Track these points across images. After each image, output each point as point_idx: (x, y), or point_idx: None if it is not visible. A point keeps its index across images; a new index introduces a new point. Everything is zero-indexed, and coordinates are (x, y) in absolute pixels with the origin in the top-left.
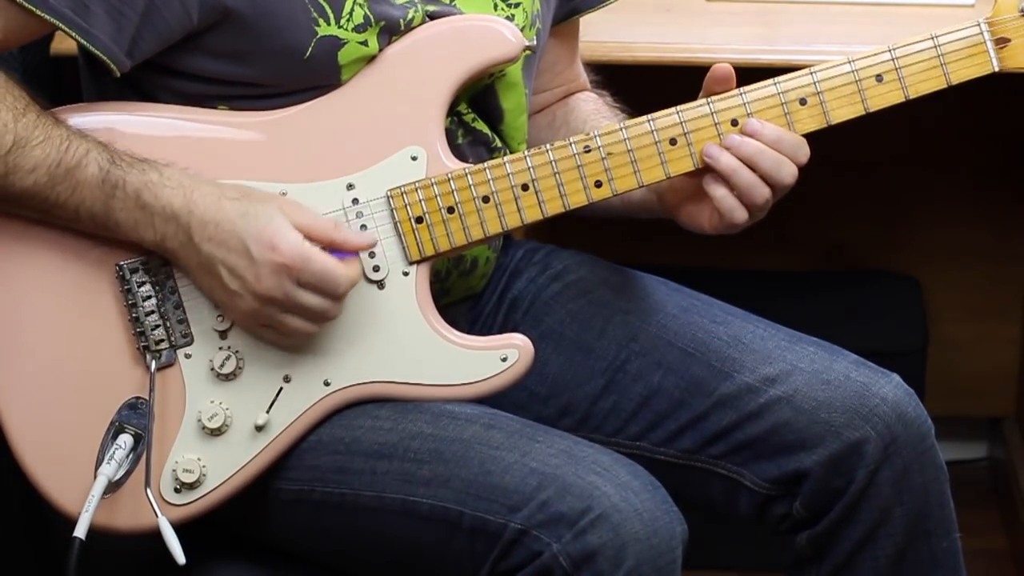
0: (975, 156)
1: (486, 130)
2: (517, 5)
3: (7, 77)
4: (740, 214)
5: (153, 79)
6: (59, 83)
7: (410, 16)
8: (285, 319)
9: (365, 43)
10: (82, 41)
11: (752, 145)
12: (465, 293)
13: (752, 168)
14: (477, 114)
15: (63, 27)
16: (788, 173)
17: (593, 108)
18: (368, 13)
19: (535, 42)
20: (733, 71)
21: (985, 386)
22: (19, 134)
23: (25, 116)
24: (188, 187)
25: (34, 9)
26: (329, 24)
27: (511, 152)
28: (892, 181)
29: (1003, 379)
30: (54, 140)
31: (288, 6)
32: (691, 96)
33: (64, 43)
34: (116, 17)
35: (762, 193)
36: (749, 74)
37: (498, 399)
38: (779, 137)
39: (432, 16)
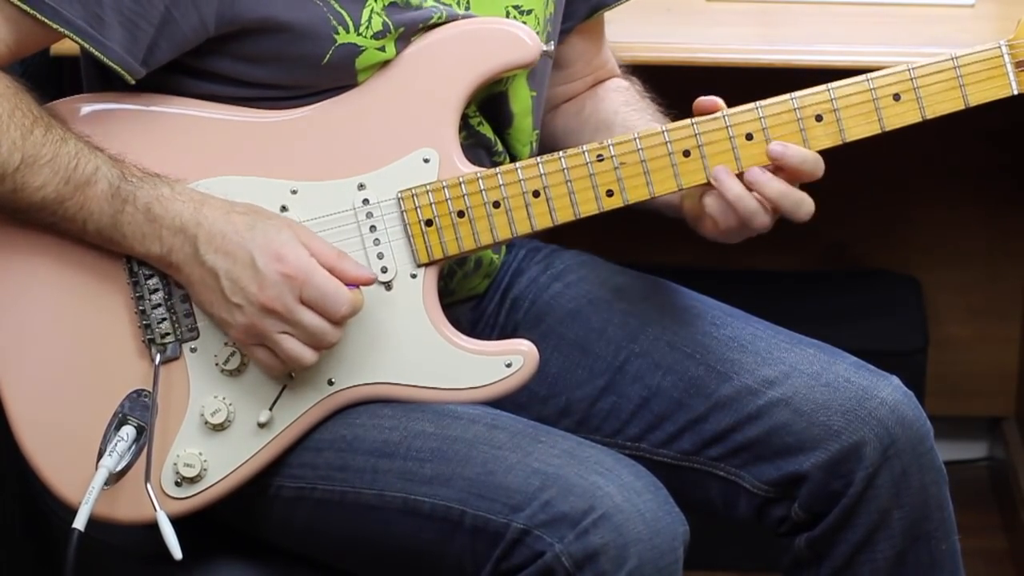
0: (975, 156)
1: (489, 134)
2: (529, 12)
3: (17, 88)
4: (734, 228)
5: (165, 79)
6: (59, 83)
7: (432, 22)
8: (281, 339)
9: (383, 49)
10: (96, 53)
11: (776, 188)
12: (468, 293)
13: (774, 209)
14: (484, 118)
15: (77, 40)
16: (806, 212)
17: (623, 99)
18: (387, 20)
19: (552, 47)
20: (721, 103)
21: (985, 386)
22: (27, 152)
23: (33, 133)
24: (198, 201)
25: (48, 21)
26: (348, 32)
27: (512, 156)
28: (892, 181)
29: (1003, 379)
30: (62, 158)
31: (307, 16)
32: (691, 97)
33: (65, 44)
34: (131, 28)
35: (763, 221)
36: (749, 74)
37: (498, 400)
38: (804, 159)
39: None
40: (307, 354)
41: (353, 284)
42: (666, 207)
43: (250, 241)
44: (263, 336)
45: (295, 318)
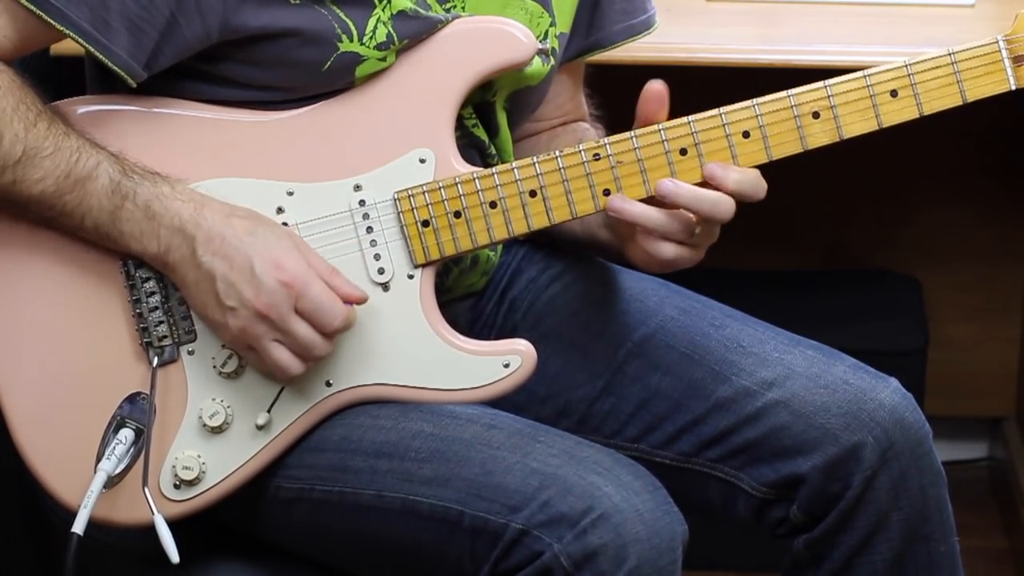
0: (975, 157)
1: (483, 136)
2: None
3: (22, 83)
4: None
5: (163, 80)
6: (59, 82)
7: (437, 30)
8: (271, 347)
9: (384, 59)
10: (100, 57)
11: (686, 196)
12: (466, 291)
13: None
14: (479, 120)
15: (82, 42)
16: (724, 211)
17: (574, 140)
18: (392, 32)
19: (547, 44)
20: (666, 89)
21: (985, 386)
22: (29, 144)
23: (36, 127)
24: (199, 201)
25: (54, 23)
26: (352, 41)
27: (503, 161)
28: (892, 181)
29: (1003, 379)
30: (64, 152)
31: (312, 24)
32: (690, 97)
33: (66, 43)
34: (135, 33)
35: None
36: (749, 74)
37: (496, 400)
38: (739, 180)
39: None
40: (294, 364)
41: (345, 302)
42: (592, 239)
43: (249, 246)
44: (253, 341)
45: (287, 327)
